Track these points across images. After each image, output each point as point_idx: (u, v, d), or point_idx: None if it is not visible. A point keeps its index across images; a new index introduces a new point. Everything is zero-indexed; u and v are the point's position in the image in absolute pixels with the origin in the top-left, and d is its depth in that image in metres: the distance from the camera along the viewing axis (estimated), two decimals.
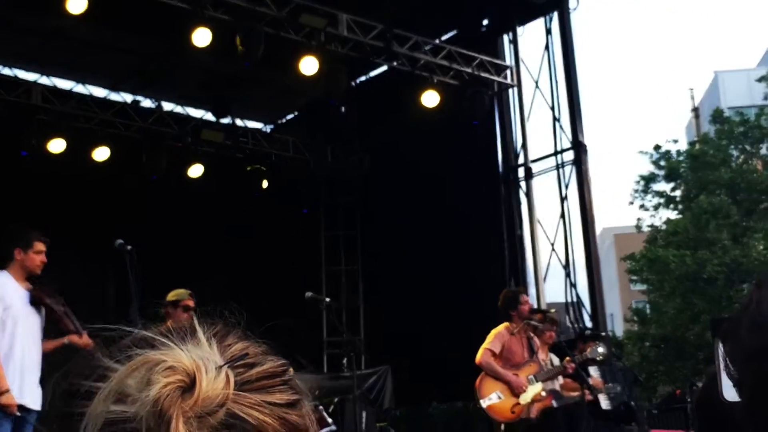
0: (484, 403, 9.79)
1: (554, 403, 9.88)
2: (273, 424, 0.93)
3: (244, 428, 0.92)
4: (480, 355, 9.90)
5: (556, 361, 10.39)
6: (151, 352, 0.95)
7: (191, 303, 8.98)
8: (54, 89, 15.66)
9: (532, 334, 10.25)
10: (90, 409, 0.92)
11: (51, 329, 7.96)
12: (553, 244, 15.71)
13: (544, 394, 9.86)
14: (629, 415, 10.85)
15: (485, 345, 9.95)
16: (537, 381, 9.91)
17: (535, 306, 14.73)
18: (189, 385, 0.91)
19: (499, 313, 10.28)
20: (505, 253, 15.72)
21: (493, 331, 10.07)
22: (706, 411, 2.33)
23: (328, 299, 11.37)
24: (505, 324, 10.11)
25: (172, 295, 9.04)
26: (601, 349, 10.25)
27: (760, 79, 34.97)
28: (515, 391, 9.76)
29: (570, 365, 10.07)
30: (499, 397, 9.74)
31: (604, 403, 11.11)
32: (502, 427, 9.78)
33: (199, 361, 0.94)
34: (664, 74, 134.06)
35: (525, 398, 9.71)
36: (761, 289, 0.92)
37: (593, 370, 11.09)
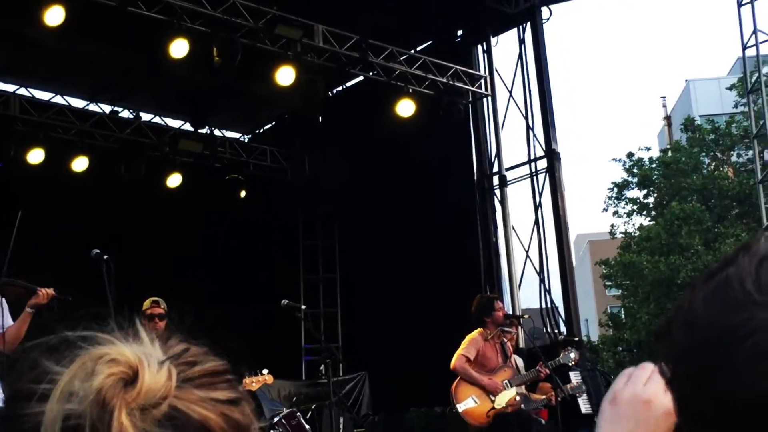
0: (461, 408, 9.88)
1: (523, 407, 10.01)
2: (216, 420, 0.94)
3: (187, 423, 0.92)
4: (455, 361, 10.00)
5: (521, 363, 10.50)
6: (95, 348, 0.96)
7: (156, 311, 8.98)
8: (32, 100, 15.68)
9: (505, 340, 10.39)
10: (47, 410, 0.92)
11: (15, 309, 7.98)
12: (527, 251, 15.89)
13: (518, 399, 9.99)
14: None
15: (460, 351, 10.04)
16: (512, 386, 10.03)
17: (510, 312, 14.93)
18: (132, 378, 0.93)
19: (472, 319, 10.39)
20: (480, 260, 15.86)
21: (468, 337, 10.17)
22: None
23: (304, 307, 11.47)
24: (479, 330, 10.19)
25: (145, 305, 9.11)
26: (573, 355, 10.34)
27: (731, 87, 35.30)
28: (491, 395, 9.88)
29: (544, 370, 10.20)
30: (475, 402, 9.83)
31: (584, 407, 11.21)
32: None
33: (142, 356, 0.95)
34: (636, 83, 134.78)
35: (500, 402, 9.82)
36: (694, 289, 0.95)
37: (573, 376, 11.20)
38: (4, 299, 7.91)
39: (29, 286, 7.93)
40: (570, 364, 10.35)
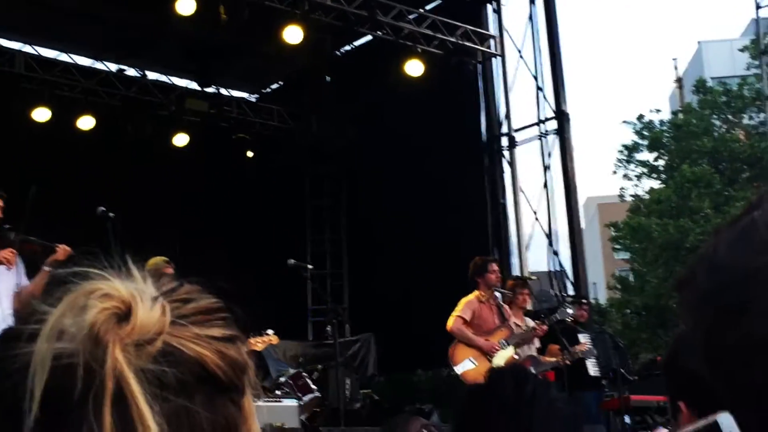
0: (458, 370, 9.85)
1: (532, 370, 9.95)
2: (212, 357, 0.93)
3: (182, 360, 0.91)
4: (451, 323, 9.95)
5: (531, 324, 10.46)
6: (87, 282, 0.94)
7: (169, 270, 8.95)
8: (38, 58, 15.62)
9: (501, 302, 10.32)
10: (35, 350, 0.89)
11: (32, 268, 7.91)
12: (536, 213, 15.81)
13: (516, 357, 9.94)
14: (615, 382, 10.94)
15: (456, 312, 9.99)
16: (509, 345, 9.97)
17: (518, 274, 14.88)
18: (125, 313, 0.91)
19: (469, 281, 10.32)
20: (488, 222, 15.80)
21: (463, 300, 10.11)
22: (673, 373, 2.40)
23: (311, 267, 11.43)
24: (475, 292, 10.14)
25: (149, 264, 9.00)
26: (569, 310, 10.28)
27: (743, 49, 34.99)
28: (488, 356, 9.83)
29: (541, 328, 10.14)
30: (473, 363, 9.78)
31: (592, 369, 11.20)
32: None
33: (135, 291, 0.93)
34: (647, 44, 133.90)
35: (497, 362, 9.75)
36: (718, 234, 0.94)
37: (582, 337, 11.16)
38: (20, 258, 7.85)
39: (46, 243, 7.86)
40: (567, 319, 10.26)
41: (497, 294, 10.32)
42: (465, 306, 10.04)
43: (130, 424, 0.87)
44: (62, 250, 7.72)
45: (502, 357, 9.84)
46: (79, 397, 0.87)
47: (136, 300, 0.92)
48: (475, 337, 9.90)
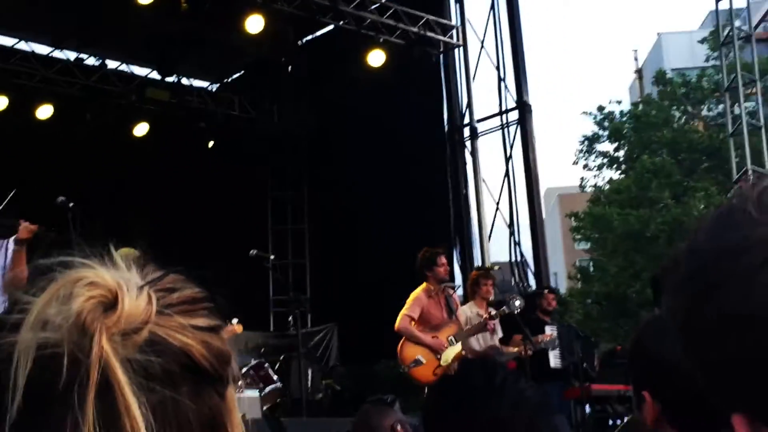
0: (407, 368, 9.83)
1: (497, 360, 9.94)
2: (197, 347, 0.92)
3: (168, 350, 0.90)
4: (398, 322, 9.86)
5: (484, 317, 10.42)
6: (72, 271, 0.94)
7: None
8: None
9: (450, 293, 10.27)
10: (19, 339, 0.88)
11: None
12: (497, 204, 15.86)
13: (464, 353, 9.89)
14: (578, 374, 10.98)
15: (404, 311, 9.88)
16: (457, 341, 9.92)
17: (481, 264, 14.92)
18: (111, 302, 0.90)
19: (416, 274, 10.19)
20: (450, 213, 15.82)
21: (412, 295, 9.98)
22: (637, 362, 2.40)
23: (272, 257, 11.40)
24: (423, 286, 10.02)
25: (119, 255, 8.93)
26: (517, 302, 10.20)
27: (702, 41, 35.28)
28: (437, 353, 9.80)
29: (490, 321, 10.11)
30: (421, 361, 9.76)
31: (554, 361, 11.21)
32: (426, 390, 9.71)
33: (121, 281, 0.93)
34: (608, 35, 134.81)
35: (446, 359, 9.73)
36: (701, 221, 0.97)
37: (549, 329, 11.18)
38: (7, 242, 7.75)
39: (12, 222, 7.74)
40: (515, 311, 10.20)
41: (448, 286, 10.25)
42: (413, 303, 9.94)
43: (115, 415, 0.86)
44: (24, 227, 7.61)
45: (451, 353, 9.81)
46: (63, 387, 0.86)
47: (122, 289, 0.92)
48: (422, 335, 9.82)
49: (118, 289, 0.91)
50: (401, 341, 9.95)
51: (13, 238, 7.70)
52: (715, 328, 0.89)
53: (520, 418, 2.03)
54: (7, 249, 7.73)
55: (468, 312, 10.41)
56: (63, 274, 0.93)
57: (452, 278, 11.38)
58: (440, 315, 10.05)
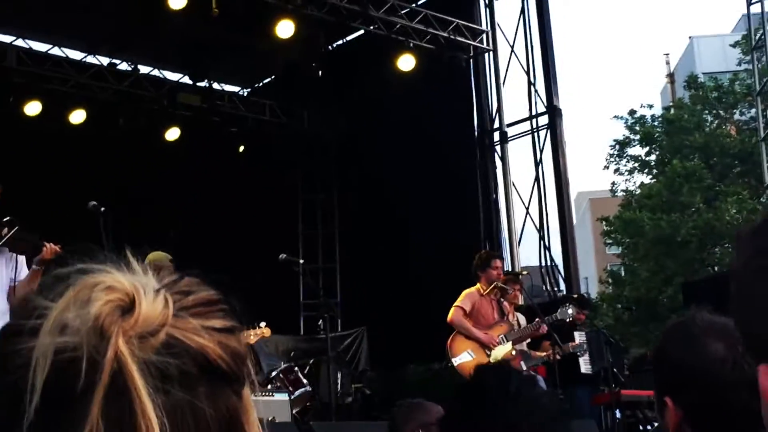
0: (456, 362, 9.83)
1: (522, 365, 9.95)
2: (214, 348, 0.93)
3: (185, 352, 0.91)
4: (451, 314, 9.93)
5: (523, 321, 10.45)
6: (89, 276, 0.95)
7: (168, 266, 8.85)
8: (29, 51, 15.58)
9: (502, 298, 10.32)
10: (37, 344, 0.89)
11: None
12: (527, 208, 15.83)
13: (514, 353, 9.94)
14: (607, 380, 10.95)
15: (456, 303, 9.97)
16: (507, 340, 9.98)
17: (510, 269, 14.88)
18: (129, 305, 0.91)
19: (471, 274, 10.33)
20: (480, 217, 15.81)
21: (465, 291, 10.10)
22: (660, 368, 2.41)
23: (302, 261, 11.42)
24: (477, 286, 10.15)
25: (149, 259, 8.95)
26: (570, 310, 10.24)
27: (735, 45, 35.06)
28: (487, 349, 9.83)
29: (542, 327, 10.12)
30: (471, 356, 9.76)
31: (584, 367, 11.19)
32: None
33: (137, 284, 0.94)
34: (639, 39, 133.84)
35: (495, 356, 9.75)
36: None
37: (578, 335, 11.16)
38: (18, 255, 7.77)
39: (36, 241, 7.75)
40: (567, 320, 10.27)
41: (501, 287, 10.29)
42: (465, 297, 10.03)
43: (131, 417, 0.87)
44: (49, 249, 7.60)
45: (501, 351, 9.83)
46: (82, 390, 0.87)
47: (139, 292, 0.93)
48: (474, 329, 9.88)
49: (135, 292, 0.93)
50: (452, 335, 9.98)
51: (36, 258, 7.70)
52: (765, 273, 0.96)
53: (534, 424, 2.04)
54: (17, 262, 7.73)
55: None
56: (80, 278, 0.95)
57: None
58: (491, 315, 10.10)
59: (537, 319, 10.17)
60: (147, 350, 0.90)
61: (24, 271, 7.73)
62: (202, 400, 0.93)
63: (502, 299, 10.28)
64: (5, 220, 7.59)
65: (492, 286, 10.11)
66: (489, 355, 9.78)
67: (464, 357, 9.82)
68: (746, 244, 1.03)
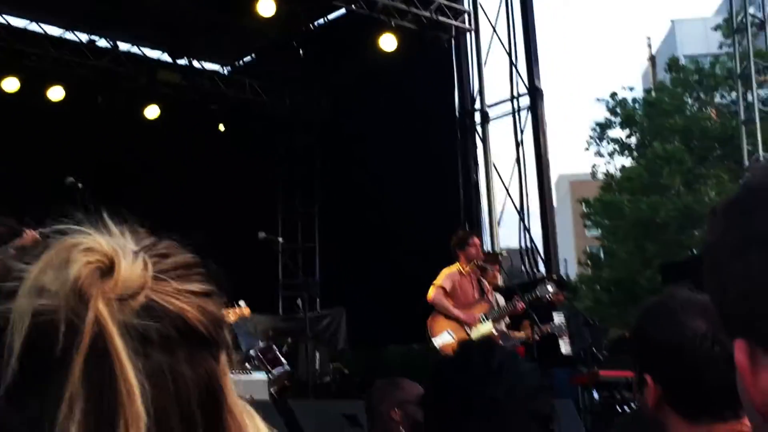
0: (436, 342, 9.79)
1: (502, 344, 9.93)
2: (193, 311, 0.93)
3: (164, 315, 0.91)
4: (431, 293, 9.91)
5: (501, 301, 10.44)
6: (67, 238, 0.94)
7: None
8: (8, 27, 15.44)
9: (481, 276, 10.31)
10: (14, 306, 0.89)
11: None
12: (508, 189, 15.83)
13: (494, 332, 9.93)
14: (586, 360, 10.99)
15: (436, 283, 9.94)
16: (488, 319, 9.97)
17: (490, 250, 14.90)
18: (108, 268, 0.91)
19: (450, 253, 10.32)
20: (460, 198, 15.80)
21: (444, 270, 10.08)
22: (640, 345, 2.40)
23: (281, 240, 11.40)
24: (456, 264, 10.14)
25: None
26: (549, 288, 10.26)
27: (716, 28, 35.12)
28: (467, 328, 9.82)
29: (520, 304, 10.11)
30: (451, 335, 9.74)
31: (564, 348, 11.21)
32: None
33: (116, 246, 0.93)
34: (621, 22, 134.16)
35: (476, 335, 9.74)
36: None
37: (557, 316, 11.17)
38: None
39: (14, 226, 7.68)
40: (546, 296, 10.25)
41: (480, 265, 10.28)
42: (446, 277, 10.01)
43: (111, 380, 0.87)
44: (30, 235, 7.54)
45: (481, 330, 9.81)
46: (60, 353, 0.87)
47: (118, 254, 0.92)
48: (454, 308, 9.86)
49: (114, 254, 0.92)
50: (431, 315, 9.95)
51: (13, 243, 7.61)
52: (739, 248, 0.96)
53: (517, 400, 2.03)
54: None
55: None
56: (58, 240, 0.94)
57: None
58: (471, 294, 10.09)
59: (516, 297, 10.16)
60: (127, 313, 0.89)
61: None
62: (182, 364, 0.92)
63: (481, 278, 10.27)
64: None
65: (471, 264, 10.10)
66: (469, 335, 9.75)
67: (444, 337, 9.79)
68: (720, 220, 1.03)
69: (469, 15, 16.26)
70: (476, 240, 10.46)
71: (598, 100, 37.65)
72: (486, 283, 10.35)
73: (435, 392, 2.18)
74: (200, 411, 0.93)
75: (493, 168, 16.02)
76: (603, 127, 37.18)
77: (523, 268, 15.44)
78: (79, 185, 7.89)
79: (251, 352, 11.09)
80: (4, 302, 0.90)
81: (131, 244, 0.97)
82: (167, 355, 0.91)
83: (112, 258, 0.91)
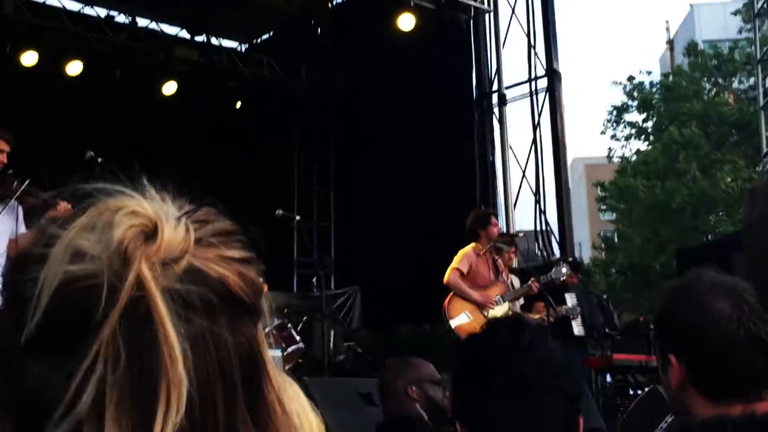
0: (453, 324, 9.80)
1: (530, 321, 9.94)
2: (233, 277, 0.94)
3: (206, 280, 0.91)
4: (448, 275, 9.91)
5: (516, 283, 10.44)
6: (111, 200, 0.95)
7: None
8: (27, 1, 15.45)
9: (497, 257, 10.31)
10: (44, 272, 0.88)
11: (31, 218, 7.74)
12: (524, 172, 15.79)
13: (510, 313, 9.94)
14: (599, 341, 11.01)
15: (453, 265, 9.94)
16: (504, 301, 9.98)
17: (505, 232, 14.89)
18: (152, 231, 0.91)
19: (467, 234, 10.29)
20: (476, 179, 15.77)
21: (461, 252, 10.07)
22: (664, 325, 2.41)
23: (298, 217, 11.40)
24: (472, 245, 10.08)
25: None
26: (564, 269, 10.25)
27: (735, 13, 34.90)
28: (484, 310, 9.83)
29: (535, 285, 10.10)
30: (468, 317, 9.75)
31: (577, 329, 11.22)
32: None
33: (159, 211, 0.94)
34: (640, 5, 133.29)
35: (493, 317, 9.75)
36: None
37: (569, 297, 11.18)
38: (20, 207, 7.71)
39: (48, 198, 7.65)
40: (561, 278, 10.26)
41: (498, 246, 10.27)
42: (463, 258, 9.99)
43: (154, 344, 0.87)
44: (63, 207, 7.49)
45: (498, 312, 9.80)
46: (102, 317, 0.86)
47: (162, 219, 0.92)
48: (471, 290, 9.86)
49: (158, 219, 0.92)
50: (448, 296, 9.94)
51: (47, 216, 7.54)
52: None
53: (546, 376, 2.04)
54: (18, 215, 7.65)
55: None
56: (98, 204, 0.94)
57: None
58: (488, 275, 10.08)
59: (532, 279, 10.16)
60: (170, 278, 0.89)
61: (22, 226, 7.66)
62: (223, 330, 0.92)
63: (497, 257, 10.27)
64: (12, 173, 7.54)
65: (489, 245, 10.09)
66: (486, 316, 9.76)
67: (462, 319, 9.80)
68: (760, 200, 1.04)
69: None
70: (496, 220, 10.49)
71: (614, 83, 37.30)
72: (501, 263, 10.34)
73: (462, 370, 2.19)
74: (241, 377, 0.93)
75: (509, 149, 15.98)
76: (619, 110, 37.04)
77: (537, 250, 15.42)
78: (99, 159, 7.88)
79: (266, 329, 11.11)
80: (35, 267, 0.90)
81: (173, 209, 0.97)
82: (209, 320, 0.91)
83: (155, 222, 0.91)
